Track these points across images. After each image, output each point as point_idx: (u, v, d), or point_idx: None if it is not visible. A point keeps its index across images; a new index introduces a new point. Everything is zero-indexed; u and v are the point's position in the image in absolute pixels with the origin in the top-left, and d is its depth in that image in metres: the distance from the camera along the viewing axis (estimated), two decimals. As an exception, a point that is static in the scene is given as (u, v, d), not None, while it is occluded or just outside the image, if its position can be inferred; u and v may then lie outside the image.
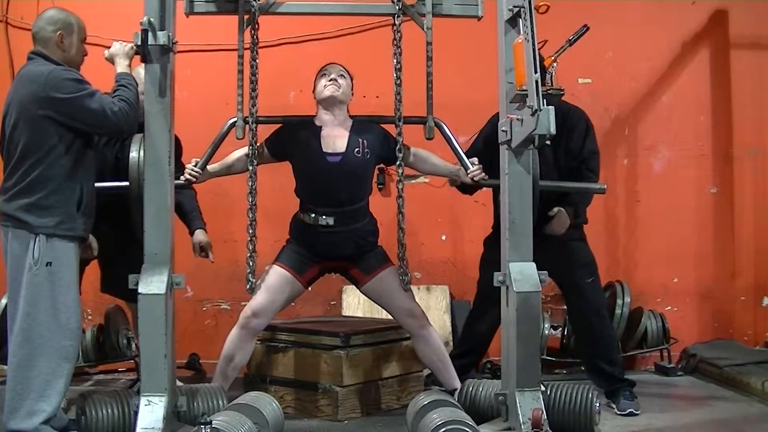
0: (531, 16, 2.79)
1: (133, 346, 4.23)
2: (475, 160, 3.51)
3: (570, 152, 3.75)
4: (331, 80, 3.56)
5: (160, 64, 3.01)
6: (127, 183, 3.20)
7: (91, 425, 3.00)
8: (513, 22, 3.08)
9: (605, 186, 3.67)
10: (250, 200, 3.49)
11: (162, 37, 2.98)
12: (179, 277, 3.06)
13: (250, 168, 3.48)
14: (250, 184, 3.49)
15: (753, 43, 5.02)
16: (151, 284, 2.94)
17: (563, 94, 3.75)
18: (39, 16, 3.13)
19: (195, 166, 3.49)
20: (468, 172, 3.49)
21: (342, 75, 3.60)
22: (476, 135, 3.86)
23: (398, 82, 3.49)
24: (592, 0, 4.79)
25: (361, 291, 3.68)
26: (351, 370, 3.59)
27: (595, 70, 4.94)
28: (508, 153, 3.15)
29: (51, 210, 2.95)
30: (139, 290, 2.93)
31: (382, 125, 3.65)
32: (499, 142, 3.19)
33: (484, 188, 3.87)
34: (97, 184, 3.21)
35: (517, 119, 2.97)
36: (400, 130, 3.49)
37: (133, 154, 3.17)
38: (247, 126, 3.49)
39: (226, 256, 4.72)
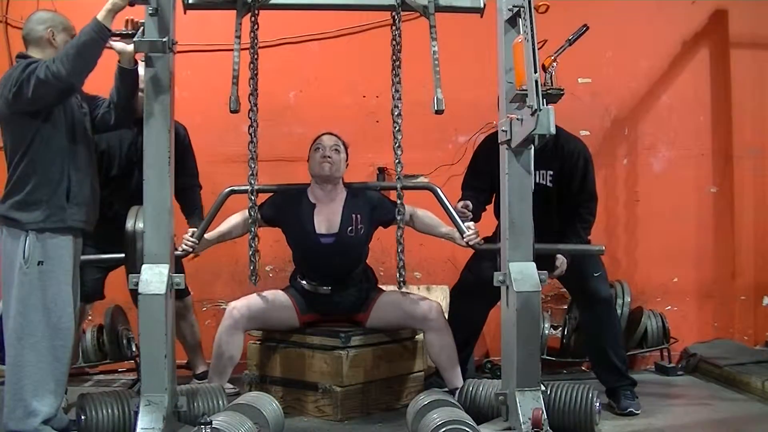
0: (531, 16, 2.79)
1: (133, 346, 4.23)
2: (471, 224, 3.53)
3: (570, 192, 3.78)
4: (324, 157, 3.61)
5: (160, 64, 3.01)
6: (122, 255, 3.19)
7: (91, 425, 2.99)
8: (513, 21, 3.08)
9: (603, 247, 3.67)
10: (252, 198, 3.49)
11: (162, 37, 2.97)
12: (179, 277, 3.06)
13: (252, 158, 3.45)
14: (250, 181, 3.48)
15: (753, 43, 5.02)
16: (151, 284, 2.94)
17: (563, 94, 3.74)
18: (27, 19, 3.16)
19: (192, 236, 3.49)
20: (464, 236, 3.49)
21: (336, 149, 3.65)
22: (470, 162, 3.92)
23: (396, 74, 3.46)
24: (592, 0, 4.79)
25: (366, 327, 3.73)
26: (351, 370, 3.59)
27: (595, 69, 4.94)
28: (507, 153, 3.15)
29: (39, 204, 2.97)
30: (139, 290, 2.92)
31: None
32: (499, 141, 3.20)
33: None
34: (93, 257, 3.33)
35: (517, 119, 2.97)
36: (399, 192, 3.50)
37: (129, 225, 3.12)
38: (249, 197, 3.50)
39: (226, 256, 4.72)
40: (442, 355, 3.64)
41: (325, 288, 3.63)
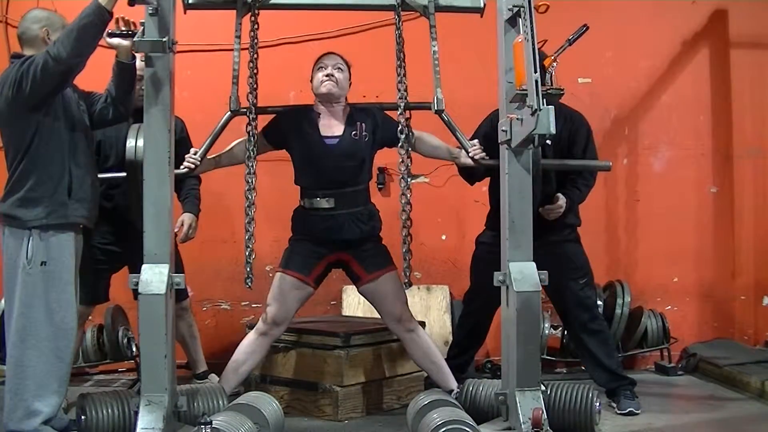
0: (531, 16, 2.79)
1: (133, 346, 4.23)
2: (476, 141, 3.51)
3: (571, 157, 3.76)
4: (327, 75, 3.55)
5: (160, 63, 3.01)
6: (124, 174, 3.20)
7: (91, 425, 2.99)
8: (513, 21, 3.08)
9: (610, 163, 3.65)
10: (249, 197, 3.41)
11: (162, 37, 2.97)
12: (179, 277, 3.06)
13: (249, 157, 3.41)
14: (249, 180, 3.42)
15: (753, 42, 5.03)
16: (151, 284, 2.94)
17: (563, 94, 3.75)
18: (22, 18, 3.17)
19: (194, 155, 3.47)
20: (470, 152, 3.47)
21: (339, 68, 3.58)
22: (475, 131, 3.88)
23: (401, 73, 3.44)
24: (592, 0, 4.79)
25: (359, 290, 3.68)
26: (351, 370, 3.59)
27: (595, 69, 4.94)
28: (508, 153, 3.15)
29: (40, 201, 2.97)
30: (139, 290, 2.92)
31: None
32: (499, 141, 3.20)
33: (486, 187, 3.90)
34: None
35: (517, 119, 2.97)
36: (402, 112, 3.44)
37: (131, 142, 3.13)
38: (247, 116, 3.44)
39: (226, 256, 4.72)
40: (426, 361, 3.57)
41: (326, 201, 3.51)
